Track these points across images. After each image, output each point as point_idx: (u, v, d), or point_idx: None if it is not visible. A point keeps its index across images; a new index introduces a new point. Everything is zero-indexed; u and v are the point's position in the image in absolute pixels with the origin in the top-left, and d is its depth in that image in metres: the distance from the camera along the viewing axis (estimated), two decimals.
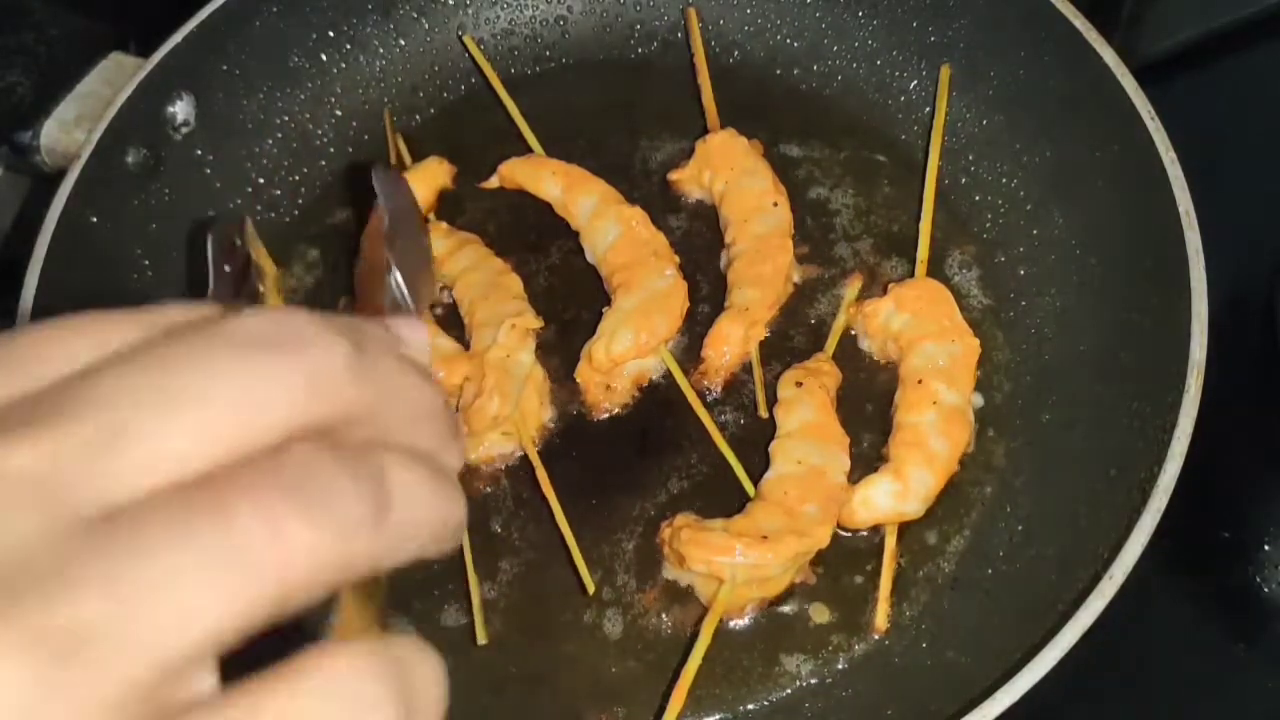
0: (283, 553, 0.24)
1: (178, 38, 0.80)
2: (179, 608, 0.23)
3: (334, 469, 0.25)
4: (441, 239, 0.81)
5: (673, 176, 0.83)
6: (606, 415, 0.75)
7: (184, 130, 0.82)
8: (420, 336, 0.36)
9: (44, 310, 0.71)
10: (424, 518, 0.28)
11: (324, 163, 0.88)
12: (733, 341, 0.75)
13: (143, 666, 0.22)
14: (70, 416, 0.24)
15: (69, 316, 0.28)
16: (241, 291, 0.64)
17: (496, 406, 0.72)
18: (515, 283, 0.79)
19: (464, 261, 0.80)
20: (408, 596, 0.71)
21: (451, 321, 0.79)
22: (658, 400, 0.76)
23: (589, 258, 0.80)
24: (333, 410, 0.27)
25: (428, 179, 0.84)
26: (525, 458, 0.73)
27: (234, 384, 0.25)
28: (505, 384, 0.73)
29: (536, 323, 0.76)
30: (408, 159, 0.86)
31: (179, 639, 0.23)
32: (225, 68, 0.83)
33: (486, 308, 0.76)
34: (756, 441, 0.73)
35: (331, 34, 0.88)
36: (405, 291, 0.62)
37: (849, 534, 0.70)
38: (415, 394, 0.30)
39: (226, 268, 0.64)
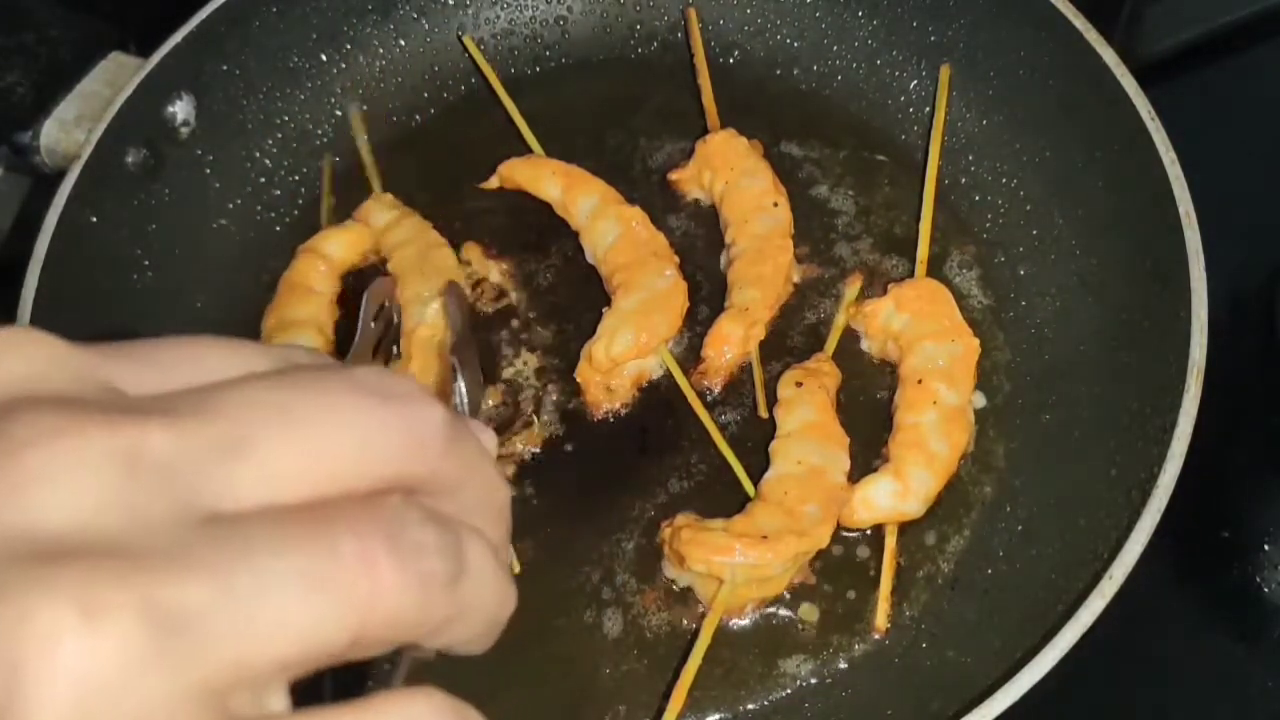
0: (372, 588, 0.25)
1: (178, 38, 0.80)
2: (274, 615, 0.24)
3: (424, 525, 0.27)
4: (385, 210, 0.82)
5: (673, 176, 0.83)
6: (606, 415, 0.75)
7: (184, 130, 0.82)
8: (491, 439, 0.37)
9: (44, 310, 0.71)
10: (487, 600, 0.29)
11: (324, 163, 0.88)
12: (733, 341, 0.75)
13: (231, 663, 0.23)
14: (204, 418, 0.26)
15: (208, 336, 0.30)
16: (380, 347, 0.70)
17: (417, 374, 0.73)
18: (447, 256, 0.79)
19: (401, 234, 0.80)
20: None
21: None
22: (658, 400, 0.76)
23: (589, 258, 0.80)
24: (425, 473, 0.29)
25: (354, 240, 0.82)
26: (526, 457, 0.73)
27: (352, 422, 0.27)
28: (430, 365, 0.73)
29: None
30: (325, 217, 0.85)
31: (268, 646, 0.24)
32: (225, 68, 0.83)
33: (415, 283, 0.77)
34: (756, 441, 0.73)
35: (331, 34, 0.88)
36: (467, 401, 0.66)
37: (849, 534, 0.70)
38: (493, 484, 0.32)
39: (373, 324, 0.70)
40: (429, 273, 0.77)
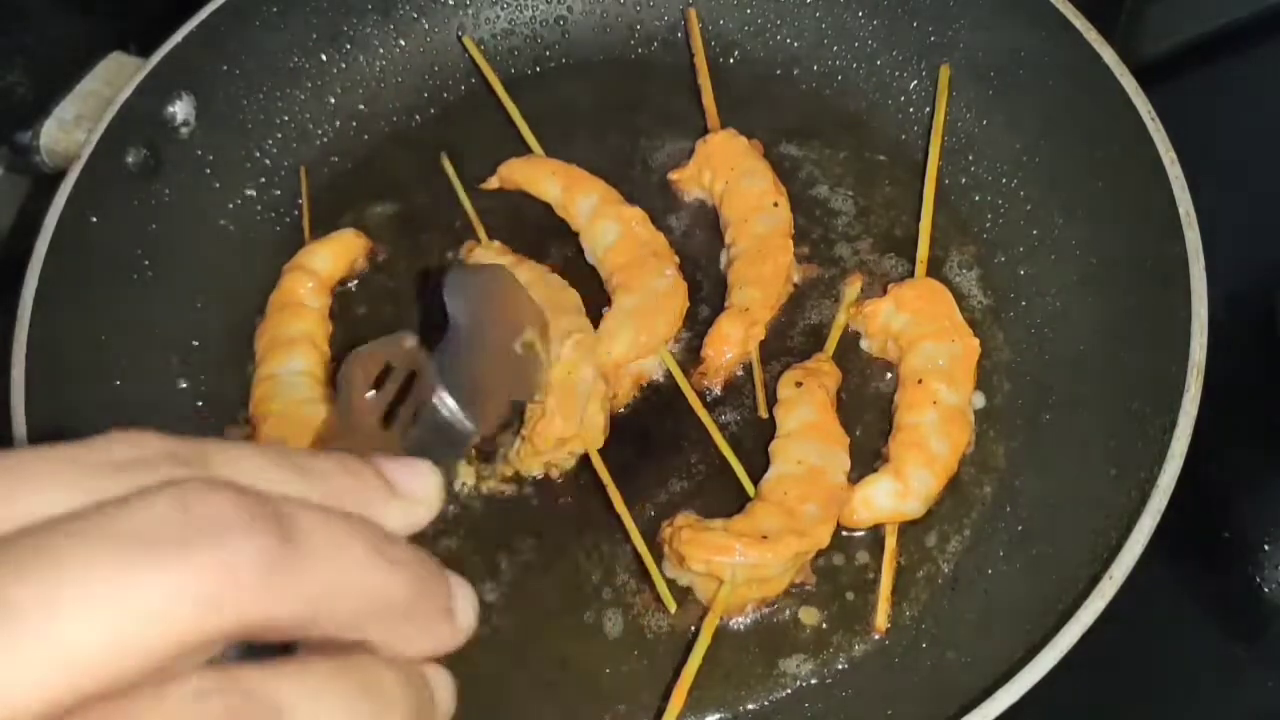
0: None
1: (178, 38, 0.80)
2: None
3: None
4: (495, 258, 0.79)
5: (673, 176, 0.83)
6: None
7: (184, 130, 0.82)
8: (419, 486, 0.32)
9: (44, 310, 0.71)
10: None
11: (324, 163, 0.88)
12: (733, 341, 0.75)
13: None
14: None
15: (38, 451, 0.26)
16: (394, 414, 0.57)
17: (560, 427, 0.71)
18: (573, 297, 0.76)
19: (521, 278, 0.78)
20: None
21: None
22: (658, 400, 0.76)
23: (589, 258, 0.80)
24: (240, 623, 0.24)
25: (340, 251, 0.82)
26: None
27: (100, 603, 0.23)
28: (568, 403, 0.71)
29: (593, 340, 0.74)
30: (308, 230, 0.84)
31: None
32: (225, 68, 0.83)
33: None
34: (756, 441, 0.73)
35: (331, 34, 0.88)
36: (458, 412, 0.54)
37: (849, 534, 0.70)
38: (370, 587, 0.27)
39: (373, 392, 0.56)
40: (554, 315, 0.73)
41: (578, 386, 0.72)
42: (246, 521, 0.25)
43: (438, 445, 0.50)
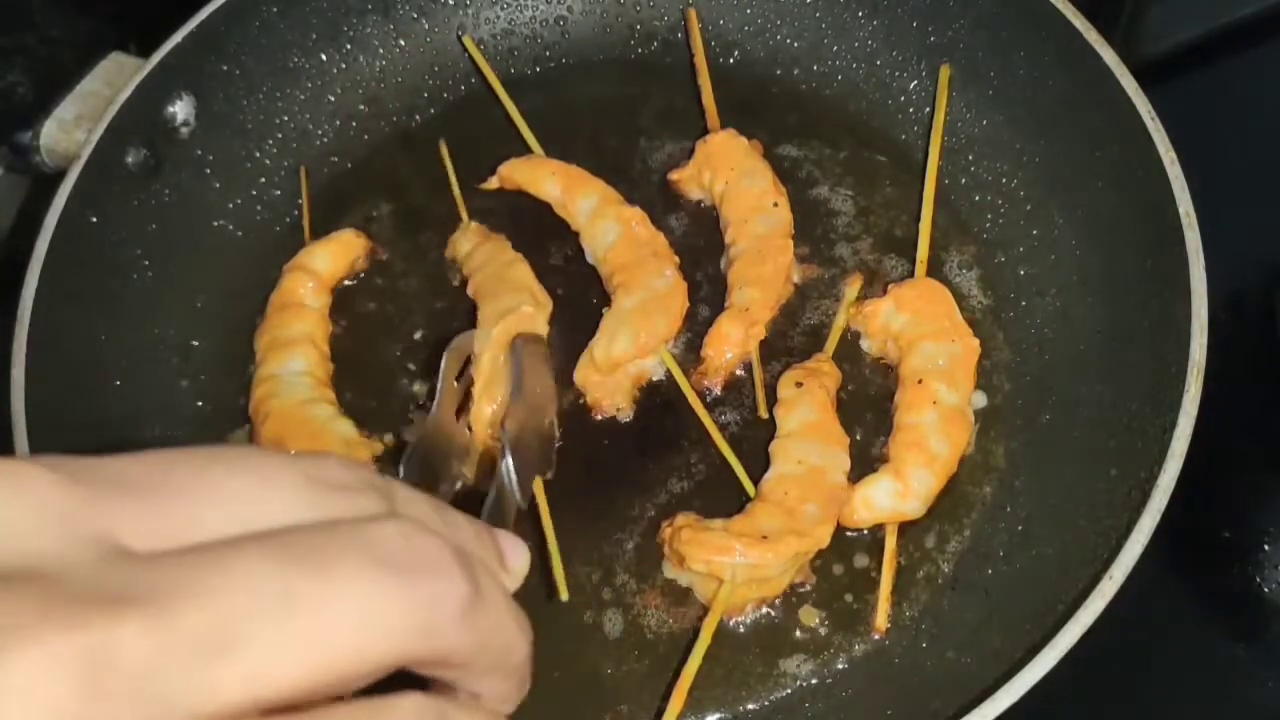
0: None
1: (178, 38, 0.80)
2: None
3: None
4: (470, 239, 0.81)
5: (673, 176, 0.83)
6: (606, 415, 0.75)
7: (184, 130, 0.82)
8: (521, 564, 0.36)
9: (44, 310, 0.71)
10: None
11: (324, 163, 0.88)
12: (733, 341, 0.75)
13: None
14: (191, 603, 0.23)
15: (226, 454, 0.28)
16: (464, 408, 0.68)
17: (491, 411, 0.72)
18: (520, 272, 0.77)
19: (479, 258, 0.79)
20: None
21: None
22: (658, 400, 0.76)
23: (589, 258, 0.80)
24: (435, 656, 0.27)
25: (340, 251, 0.82)
26: None
27: (361, 611, 0.25)
28: (494, 387, 0.72)
29: (534, 314, 0.75)
30: (308, 230, 0.84)
31: None
32: (225, 68, 0.84)
33: (490, 303, 0.76)
34: (756, 441, 0.73)
35: (331, 34, 0.88)
36: (516, 480, 0.61)
37: (849, 534, 0.70)
38: (508, 646, 0.31)
39: (455, 382, 0.66)
40: (497, 296, 0.76)
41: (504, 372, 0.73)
42: (454, 564, 0.28)
43: (495, 516, 0.57)
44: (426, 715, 0.26)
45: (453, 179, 0.85)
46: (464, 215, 0.84)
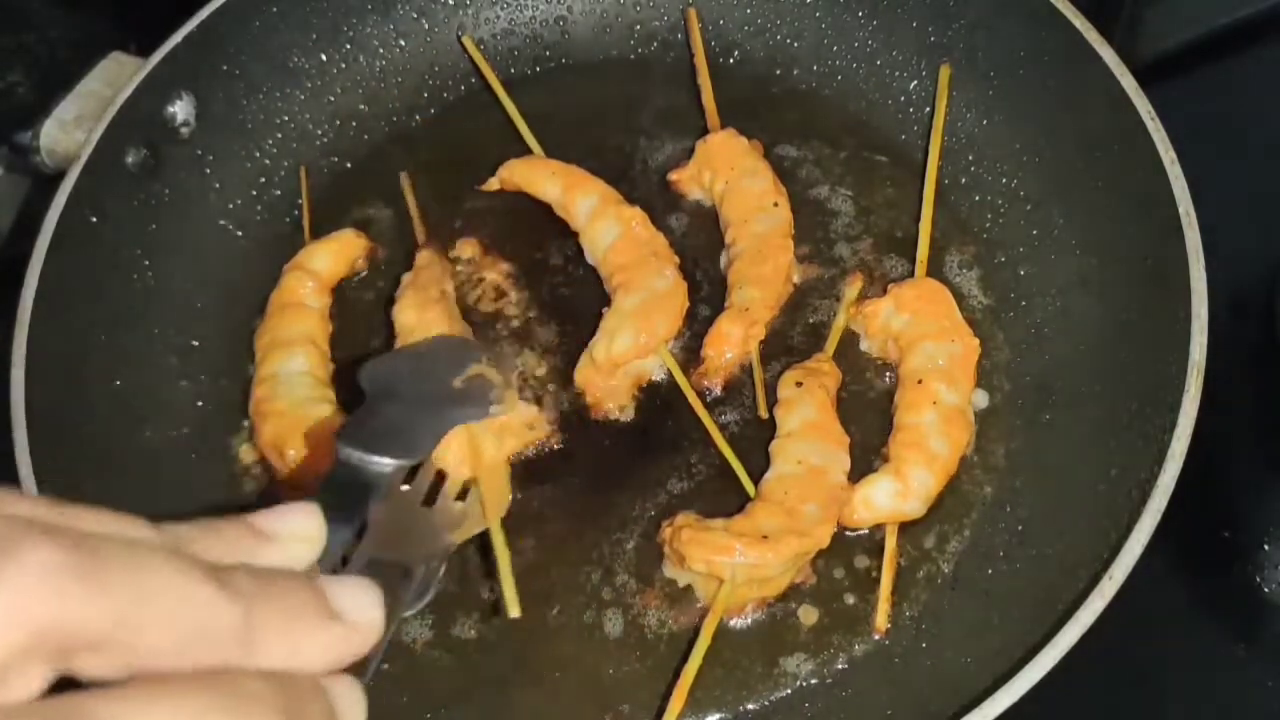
0: None
1: (178, 38, 0.80)
2: None
3: None
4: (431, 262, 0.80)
5: (673, 176, 0.83)
6: (607, 415, 0.75)
7: (184, 130, 0.82)
8: (303, 525, 0.33)
9: (44, 310, 0.71)
10: None
11: (324, 163, 0.88)
12: (733, 341, 0.75)
13: None
14: None
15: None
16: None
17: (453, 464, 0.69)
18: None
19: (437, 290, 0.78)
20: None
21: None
22: (658, 400, 0.76)
23: (589, 258, 0.80)
24: (36, 632, 0.24)
25: (340, 251, 0.82)
26: (526, 457, 0.73)
27: None
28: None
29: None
30: (308, 230, 0.84)
31: None
32: (225, 68, 0.84)
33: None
34: (756, 441, 0.73)
35: (331, 34, 0.88)
36: (363, 457, 0.55)
37: (849, 534, 0.70)
38: (187, 608, 0.27)
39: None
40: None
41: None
42: (45, 538, 0.25)
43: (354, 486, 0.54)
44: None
45: (413, 207, 0.84)
46: (421, 238, 0.82)
